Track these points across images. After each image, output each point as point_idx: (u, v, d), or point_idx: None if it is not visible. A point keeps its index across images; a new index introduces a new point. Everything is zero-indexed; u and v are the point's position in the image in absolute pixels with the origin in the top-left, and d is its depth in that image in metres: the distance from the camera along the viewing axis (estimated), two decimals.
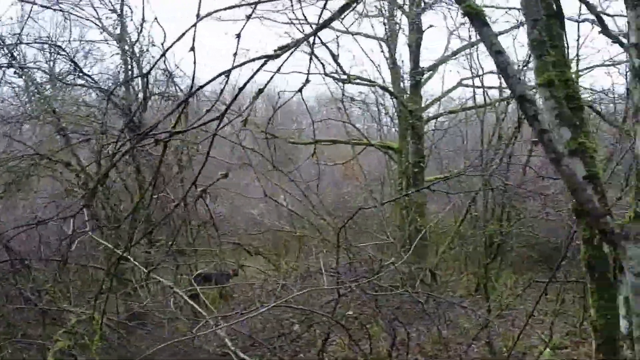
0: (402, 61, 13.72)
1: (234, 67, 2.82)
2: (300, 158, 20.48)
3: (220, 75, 2.78)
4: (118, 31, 11.79)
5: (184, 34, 2.79)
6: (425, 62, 13.67)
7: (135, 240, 10.96)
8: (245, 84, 2.93)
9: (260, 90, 2.90)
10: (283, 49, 2.83)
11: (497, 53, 2.71)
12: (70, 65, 11.33)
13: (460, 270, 14.02)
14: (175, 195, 10.64)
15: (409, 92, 13.44)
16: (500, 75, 12.61)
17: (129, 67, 11.81)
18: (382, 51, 13.42)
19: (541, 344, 9.28)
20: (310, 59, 3.91)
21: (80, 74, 11.48)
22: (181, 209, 10.61)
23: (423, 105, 13.90)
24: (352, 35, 13.07)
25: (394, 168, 14.54)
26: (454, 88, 14.18)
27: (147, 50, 11.52)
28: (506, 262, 12.84)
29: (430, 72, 13.84)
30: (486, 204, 10.00)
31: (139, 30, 11.28)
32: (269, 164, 11.61)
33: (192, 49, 2.89)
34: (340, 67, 12.24)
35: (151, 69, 11.60)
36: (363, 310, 7.89)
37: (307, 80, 3.42)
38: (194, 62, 2.96)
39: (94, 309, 5.63)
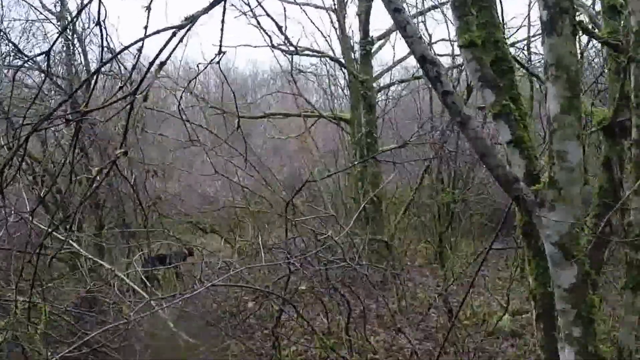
0: (352, 31, 13.57)
1: (141, 39, 2.64)
2: (254, 133, 20.35)
3: (126, 48, 2.61)
4: (58, 9, 11.29)
5: None
6: (376, 32, 13.56)
7: (70, 221, 10.81)
8: (154, 59, 2.72)
9: (162, 64, 2.71)
10: (191, 18, 2.65)
11: (396, 11, 2.59)
12: (8, 45, 10.84)
13: (419, 239, 14.10)
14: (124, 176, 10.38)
15: (359, 63, 13.26)
16: (450, 42, 12.78)
17: (70, 46, 11.31)
18: (331, 21, 13.20)
19: (500, 310, 9.36)
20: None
21: (19, 55, 11.01)
22: (130, 189, 10.37)
23: (374, 75, 13.76)
24: (300, 6, 12.82)
25: (347, 140, 14.43)
26: (405, 58, 14.10)
27: (89, 28, 11.08)
28: (462, 230, 12.90)
29: (381, 41, 13.69)
30: (438, 172, 9.89)
31: (79, 8, 10.85)
32: (221, 140, 11.44)
33: (98, 23, 2.70)
34: (287, 39, 12.00)
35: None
36: (315, 285, 7.78)
37: (221, 52, 3.23)
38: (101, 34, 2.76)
39: (30, 296, 5.41)
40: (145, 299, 4.96)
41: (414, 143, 10.24)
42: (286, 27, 12.12)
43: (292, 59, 12.83)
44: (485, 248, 11.74)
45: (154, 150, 13.54)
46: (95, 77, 2.97)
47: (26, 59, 11.25)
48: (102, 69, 11.68)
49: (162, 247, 11.83)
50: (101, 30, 2.75)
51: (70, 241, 6.06)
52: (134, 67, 3.00)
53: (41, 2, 11.11)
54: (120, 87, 2.94)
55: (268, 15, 11.38)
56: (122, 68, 10.85)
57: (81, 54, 11.28)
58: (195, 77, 6.01)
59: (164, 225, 11.02)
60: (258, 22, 11.82)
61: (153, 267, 10.61)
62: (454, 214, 10.50)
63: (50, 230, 4.02)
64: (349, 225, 7.90)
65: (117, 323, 5.07)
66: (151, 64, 2.74)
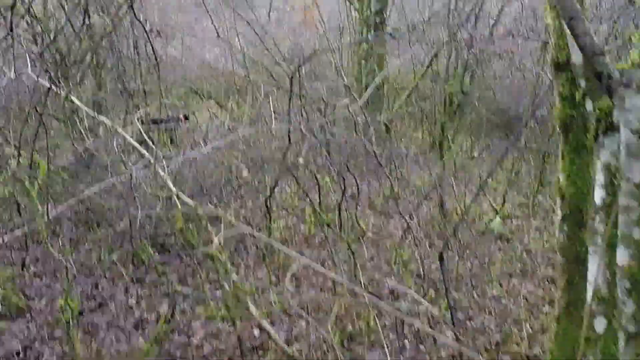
0: None
1: None
2: (258, 1, 19.62)
3: None
4: None
5: None
6: None
7: (80, 78, 10.54)
8: None
9: None
10: None
11: None
12: None
13: (416, 126, 13.96)
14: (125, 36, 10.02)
15: None
16: None
17: None
18: None
19: (491, 211, 9.39)
20: None
21: None
22: (131, 49, 10.03)
23: None
24: None
25: (354, 17, 13.89)
26: None
27: None
28: (464, 123, 12.72)
29: None
30: (449, 59, 9.45)
31: None
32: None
33: None
34: None
35: None
36: (314, 159, 7.69)
37: None
38: None
39: (32, 152, 5.29)
40: (145, 157, 4.82)
41: (433, 24, 9.76)
42: None
43: None
44: (490, 144, 11.76)
45: (154, 11, 13.05)
46: None
47: None
48: None
49: (157, 111, 11.66)
50: None
51: (71, 96, 5.80)
52: None
53: None
54: None
55: None
56: None
57: None
58: None
59: (161, 88, 10.75)
60: None
61: (149, 128, 10.48)
62: (460, 105, 10.14)
63: (49, 86, 3.80)
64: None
65: (115, 179, 4.94)
66: None
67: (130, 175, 4.62)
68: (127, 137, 4.19)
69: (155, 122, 11.48)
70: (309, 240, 8.23)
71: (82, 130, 8.76)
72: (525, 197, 10.05)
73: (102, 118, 5.11)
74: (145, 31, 9.00)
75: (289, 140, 6.59)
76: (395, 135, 11.61)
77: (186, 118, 12.29)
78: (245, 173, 7.98)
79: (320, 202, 8.31)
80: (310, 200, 7.38)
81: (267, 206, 7.37)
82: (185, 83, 12.22)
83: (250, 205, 8.79)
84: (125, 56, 10.13)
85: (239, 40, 12.34)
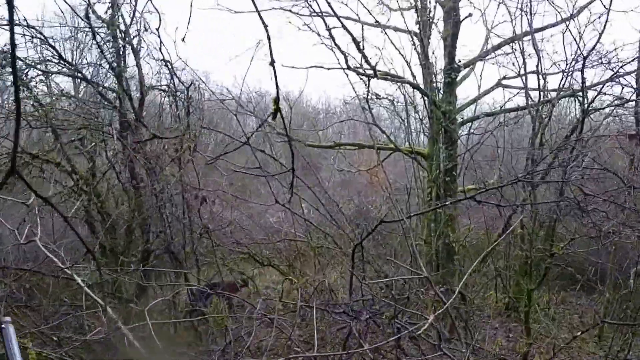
0: (435, 57, 12.27)
1: None
2: (323, 165, 19.44)
3: None
4: (109, 15, 10.17)
5: None
6: (461, 58, 12.40)
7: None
8: None
9: None
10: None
11: None
12: (48, 49, 10.00)
13: (489, 287, 12.77)
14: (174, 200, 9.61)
15: (442, 92, 12.09)
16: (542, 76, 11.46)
17: (121, 55, 10.40)
18: (414, 44, 11.93)
19: None
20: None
21: (63, 63, 10.29)
22: (180, 214, 9.56)
23: (457, 106, 12.57)
24: (382, 28, 11.76)
25: (422, 176, 13.20)
26: (493, 88, 12.85)
27: (141, 34, 10.21)
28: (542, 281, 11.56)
29: (467, 69, 12.53)
30: (535, 218, 8.37)
31: (131, 15, 10.04)
32: (285, 169, 10.53)
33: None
34: (366, 58, 11.00)
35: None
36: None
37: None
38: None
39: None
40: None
41: (520, 180, 8.87)
42: (364, 46, 11.08)
43: (368, 82, 11.71)
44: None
45: (219, 176, 12.84)
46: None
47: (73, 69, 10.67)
48: (155, 83, 11.11)
49: (215, 277, 10.99)
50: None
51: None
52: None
53: (92, 11, 10.23)
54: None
55: (346, 29, 10.40)
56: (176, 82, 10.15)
57: (135, 66, 10.44)
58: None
59: (215, 254, 10.10)
60: (332, 39, 10.87)
61: (200, 298, 9.75)
62: (548, 269, 8.87)
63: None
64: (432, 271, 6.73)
65: None
66: None
67: None
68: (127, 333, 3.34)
69: (211, 287, 10.80)
70: None
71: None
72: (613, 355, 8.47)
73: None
74: (195, 197, 8.66)
75: (351, 330, 5.63)
76: (470, 300, 10.43)
77: (245, 284, 11.55)
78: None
79: None
80: None
81: None
82: (242, 248, 11.55)
83: None
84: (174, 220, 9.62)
85: (302, 205, 11.80)
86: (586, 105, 7.80)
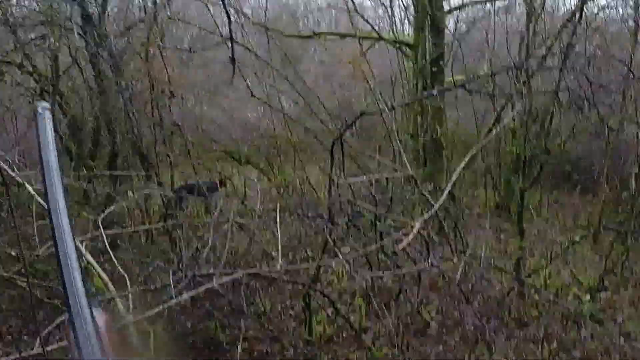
0: None
1: None
2: (303, 57, 18.57)
3: None
4: None
5: None
6: None
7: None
8: None
9: None
10: None
11: None
12: None
13: (477, 183, 12.44)
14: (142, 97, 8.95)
15: None
16: None
17: None
18: None
19: (574, 284, 7.73)
20: None
21: None
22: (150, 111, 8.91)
23: None
24: None
25: (407, 68, 12.50)
26: None
27: None
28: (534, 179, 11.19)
29: None
30: (529, 110, 7.74)
31: None
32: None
33: None
34: None
35: None
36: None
37: None
38: None
39: None
40: None
41: (498, 72, 8.26)
42: None
43: None
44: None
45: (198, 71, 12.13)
46: None
47: None
48: None
49: (190, 177, 10.52)
50: None
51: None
52: None
53: None
54: None
55: None
56: None
57: None
58: None
59: (190, 153, 9.55)
60: None
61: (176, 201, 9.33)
62: (542, 167, 8.31)
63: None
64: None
65: None
66: None
67: None
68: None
69: (188, 189, 10.37)
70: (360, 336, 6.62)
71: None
72: (612, 261, 8.14)
73: None
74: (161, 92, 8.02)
75: (330, 218, 5.20)
76: (462, 201, 10.06)
77: (222, 184, 11.11)
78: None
79: (372, 285, 6.82)
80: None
81: (306, 299, 5.94)
82: (219, 146, 11.01)
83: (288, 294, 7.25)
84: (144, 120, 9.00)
85: (280, 100, 11.19)
86: None
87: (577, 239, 7.43)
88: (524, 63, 6.63)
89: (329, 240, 4.74)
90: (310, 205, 6.22)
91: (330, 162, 5.12)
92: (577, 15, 6.70)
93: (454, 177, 5.92)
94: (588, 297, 7.33)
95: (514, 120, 9.11)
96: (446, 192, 5.40)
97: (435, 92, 6.70)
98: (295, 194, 8.89)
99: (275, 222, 5.23)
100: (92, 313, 0.96)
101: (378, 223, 5.34)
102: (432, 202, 5.10)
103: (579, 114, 8.40)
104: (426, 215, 4.87)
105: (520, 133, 8.33)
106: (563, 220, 10.78)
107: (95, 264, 4.03)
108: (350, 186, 5.83)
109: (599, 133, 8.36)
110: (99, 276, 3.97)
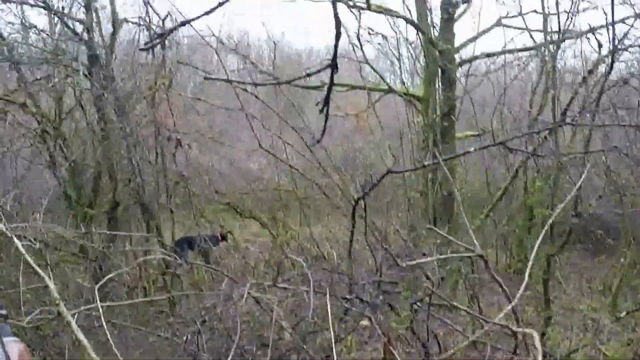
0: None
1: None
2: (307, 108, 18.34)
3: None
4: None
5: None
6: None
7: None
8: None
9: None
10: None
11: None
12: None
13: (486, 244, 11.98)
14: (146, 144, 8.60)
15: (439, 29, 10.91)
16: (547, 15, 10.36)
17: None
18: None
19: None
20: None
21: None
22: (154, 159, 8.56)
23: (456, 45, 11.38)
24: None
25: (416, 121, 12.13)
26: (493, 27, 11.69)
27: None
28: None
29: (466, 4, 11.30)
30: (558, 168, 7.28)
31: None
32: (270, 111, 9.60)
33: None
34: None
35: None
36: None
37: None
38: None
39: None
40: None
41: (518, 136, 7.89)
42: None
43: (359, 15, 10.36)
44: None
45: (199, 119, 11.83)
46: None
47: None
48: (130, 17, 9.94)
49: (191, 229, 10.11)
50: None
51: None
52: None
53: None
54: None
55: None
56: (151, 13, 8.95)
57: None
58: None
59: (192, 204, 9.15)
60: None
61: (177, 252, 8.92)
62: (571, 232, 7.72)
63: None
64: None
65: None
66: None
67: None
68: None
69: (188, 242, 10.00)
70: None
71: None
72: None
73: None
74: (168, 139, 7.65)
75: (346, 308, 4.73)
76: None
77: (224, 238, 10.71)
78: (288, 334, 5.73)
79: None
80: None
81: None
82: (222, 198, 10.58)
83: None
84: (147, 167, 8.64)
85: (285, 150, 10.82)
86: (616, 41, 6.68)
87: (622, 315, 6.86)
88: (555, 121, 6.28)
89: (373, 323, 4.26)
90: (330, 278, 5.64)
91: (352, 225, 4.70)
92: (607, 68, 6.37)
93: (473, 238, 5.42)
94: None
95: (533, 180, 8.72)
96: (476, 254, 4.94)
97: (473, 149, 6.22)
98: (304, 253, 8.44)
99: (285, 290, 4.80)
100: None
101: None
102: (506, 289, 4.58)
103: (609, 174, 8.01)
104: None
105: (546, 193, 7.85)
106: (579, 284, 10.29)
107: (87, 344, 3.59)
108: (370, 249, 5.35)
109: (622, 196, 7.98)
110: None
